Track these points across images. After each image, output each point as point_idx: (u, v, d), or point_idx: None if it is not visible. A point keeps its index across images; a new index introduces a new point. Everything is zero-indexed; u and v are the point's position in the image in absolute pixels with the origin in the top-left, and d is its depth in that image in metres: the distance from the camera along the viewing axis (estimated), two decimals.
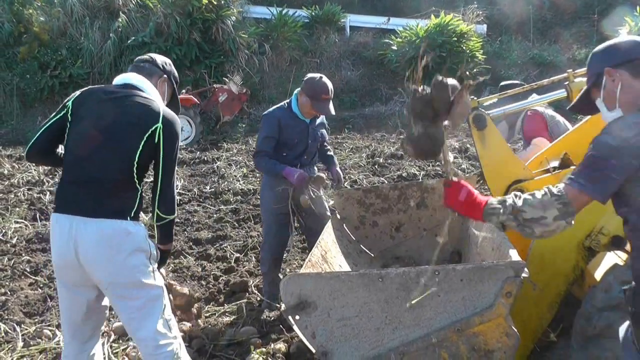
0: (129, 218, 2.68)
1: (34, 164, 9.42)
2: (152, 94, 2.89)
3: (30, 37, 14.20)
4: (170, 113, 2.84)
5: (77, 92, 2.90)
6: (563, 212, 2.05)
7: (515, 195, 2.21)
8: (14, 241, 6.17)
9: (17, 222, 6.78)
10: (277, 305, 4.30)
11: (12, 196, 7.96)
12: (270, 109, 4.46)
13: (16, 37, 14.31)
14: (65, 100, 2.89)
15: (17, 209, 7.34)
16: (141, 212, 2.88)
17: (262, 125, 4.43)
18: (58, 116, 2.85)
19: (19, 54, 14.10)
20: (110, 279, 2.68)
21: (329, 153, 4.77)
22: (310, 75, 4.33)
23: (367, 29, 17.98)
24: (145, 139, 2.71)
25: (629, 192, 2.02)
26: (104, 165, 2.70)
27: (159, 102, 2.89)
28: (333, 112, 4.28)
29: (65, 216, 2.69)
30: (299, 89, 4.36)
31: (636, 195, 2.01)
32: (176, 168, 2.86)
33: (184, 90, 11.90)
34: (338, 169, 4.70)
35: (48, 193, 8.12)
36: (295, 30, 16.12)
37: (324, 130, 4.63)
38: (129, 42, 14.16)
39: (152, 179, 2.85)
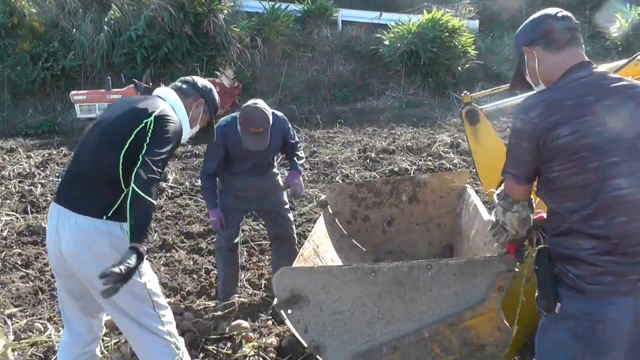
0: (104, 217, 2.62)
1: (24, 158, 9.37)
2: (179, 112, 2.83)
3: (24, 30, 14.09)
4: (168, 112, 2.71)
5: None
6: (505, 206, 2.20)
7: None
8: (4, 234, 6.13)
9: (8, 215, 6.73)
10: (234, 307, 4.27)
11: (3, 188, 7.91)
12: (220, 122, 4.27)
13: (8, 29, 14.21)
14: None
15: (8, 201, 7.30)
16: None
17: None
18: None
19: (17, 48, 13.99)
20: (88, 276, 2.62)
21: (295, 159, 4.51)
22: (247, 103, 4.15)
23: (359, 24, 17.95)
24: (134, 134, 2.61)
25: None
26: (92, 162, 2.69)
27: (181, 117, 2.81)
28: (264, 146, 4.07)
29: (56, 205, 2.71)
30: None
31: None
32: (166, 161, 2.66)
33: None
34: (299, 179, 4.49)
35: (39, 185, 8.08)
36: (288, 24, 16.06)
37: (283, 137, 4.43)
38: (121, 35, 14.08)
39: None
